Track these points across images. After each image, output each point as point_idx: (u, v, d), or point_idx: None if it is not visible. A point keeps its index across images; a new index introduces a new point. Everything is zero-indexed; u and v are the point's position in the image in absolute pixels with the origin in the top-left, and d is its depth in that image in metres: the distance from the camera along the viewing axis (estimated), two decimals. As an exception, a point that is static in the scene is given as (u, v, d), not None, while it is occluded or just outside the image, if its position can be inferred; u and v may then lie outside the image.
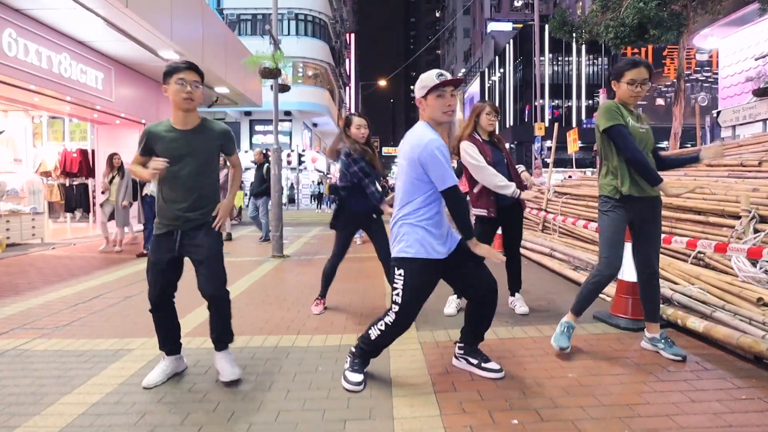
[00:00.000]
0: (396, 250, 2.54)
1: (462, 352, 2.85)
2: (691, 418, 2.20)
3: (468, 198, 4.02)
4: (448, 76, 2.48)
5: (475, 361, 2.78)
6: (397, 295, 2.51)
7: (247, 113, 28.17)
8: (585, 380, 2.65)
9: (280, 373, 2.84)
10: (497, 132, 4.06)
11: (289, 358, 3.07)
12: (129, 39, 8.49)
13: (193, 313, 4.05)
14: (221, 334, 2.76)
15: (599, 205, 3.06)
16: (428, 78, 2.49)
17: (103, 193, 8.24)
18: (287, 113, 28.57)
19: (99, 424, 2.26)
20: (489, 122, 3.90)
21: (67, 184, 11.86)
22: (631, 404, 2.35)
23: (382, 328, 2.57)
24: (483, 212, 3.88)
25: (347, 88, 49.54)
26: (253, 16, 28.99)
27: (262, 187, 9.36)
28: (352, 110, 51.94)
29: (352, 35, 52.79)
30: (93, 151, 11.77)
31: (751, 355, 2.80)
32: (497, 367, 2.74)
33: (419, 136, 2.47)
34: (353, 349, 2.73)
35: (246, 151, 26.43)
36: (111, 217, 8.20)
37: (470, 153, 3.76)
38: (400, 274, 2.50)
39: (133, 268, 6.47)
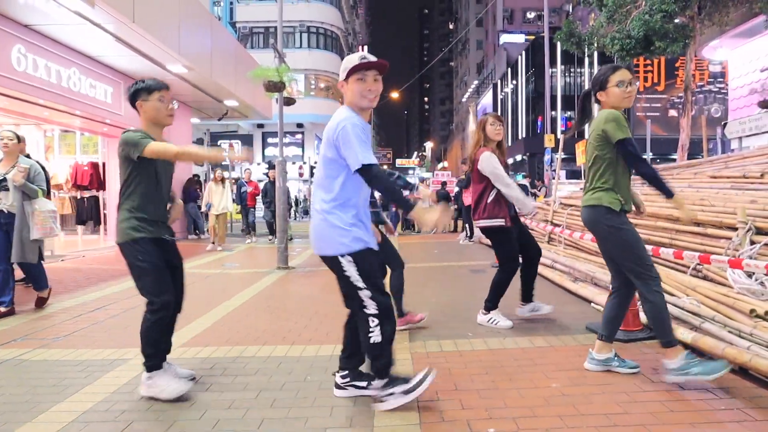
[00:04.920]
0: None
1: (347, 380, 2.64)
2: (667, 428, 2.21)
3: (473, 210, 4.07)
4: (372, 59, 2.40)
5: (363, 384, 2.62)
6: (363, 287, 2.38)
7: (260, 125, 28.53)
8: (567, 390, 2.66)
9: (268, 382, 2.89)
10: (506, 143, 4.15)
11: (280, 368, 3.12)
12: (137, 53, 8.72)
13: (193, 323, 4.15)
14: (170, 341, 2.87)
15: (608, 219, 2.76)
16: (350, 60, 2.42)
17: None
18: (299, 125, 28.90)
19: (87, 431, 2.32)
20: (496, 132, 4.00)
21: (78, 197, 12.09)
22: (610, 414, 2.36)
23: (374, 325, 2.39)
24: (501, 222, 3.90)
25: (359, 101, 49.82)
26: (266, 29, 29.43)
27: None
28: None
29: (365, 47, 53.32)
30: (104, 164, 12.01)
31: (737, 366, 2.78)
32: (383, 381, 2.52)
33: (335, 118, 2.42)
34: (384, 381, 2.45)
35: (258, 164, 26.70)
36: None
37: (493, 163, 3.86)
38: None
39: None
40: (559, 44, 16.54)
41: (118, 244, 2.70)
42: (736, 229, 4.43)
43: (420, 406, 2.49)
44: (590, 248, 6.72)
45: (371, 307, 2.40)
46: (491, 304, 4.04)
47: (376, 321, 2.39)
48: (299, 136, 30.11)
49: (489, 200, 3.92)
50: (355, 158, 2.28)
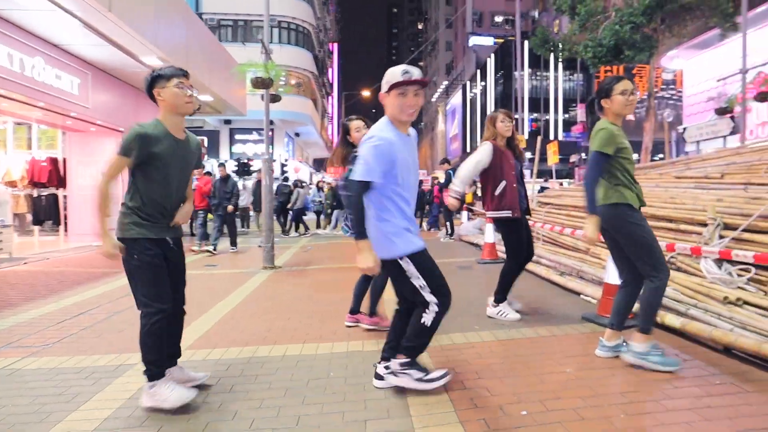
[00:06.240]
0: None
1: (389, 370, 2.68)
2: (676, 402, 2.48)
3: (484, 202, 4.15)
4: (415, 75, 2.41)
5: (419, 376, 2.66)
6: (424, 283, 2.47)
7: (227, 122, 27.81)
8: (581, 374, 2.85)
9: (292, 380, 2.88)
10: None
11: (299, 366, 3.10)
12: (109, 44, 8.32)
13: (191, 325, 4.07)
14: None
15: (627, 215, 2.95)
16: (393, 74, 2.43)
17: None
18: (270, 122, 28.41)
19: (118, 437, 2.25)
20: (506, 128, 4.11)
21: (35, 195, 11.14)
22: (624, 392, 2.60)
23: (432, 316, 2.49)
24: (507, 213, 3.99)
25: (330, 98, 49.49)
26: (234, 22, 28.61)
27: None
28: (334, 119, 51.58)
29: (336, 45, 52.87)
30: (64, 160, 11.25)
31: (722, 346, 3.12)
32: (407, 360, 2.64)
33: (369, 133, 2.50)
34: (403, 361, 2.56)
35: (226, 161, 26.14)
36: None
37: (477, 152, 4.01)
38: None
39: (118, 282, 6.13)
40: (527, 48, 17.10)
41: (117, 238, 2.53)
42: (705, 225, 4.72)
43: (450, 395, 2.57)
44: (569, 244, 6.94)
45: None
46: (500, 296, 4.11)
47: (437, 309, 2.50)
48: (269, 133, 29.61)
49: (496, 192, 4.02)
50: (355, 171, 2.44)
